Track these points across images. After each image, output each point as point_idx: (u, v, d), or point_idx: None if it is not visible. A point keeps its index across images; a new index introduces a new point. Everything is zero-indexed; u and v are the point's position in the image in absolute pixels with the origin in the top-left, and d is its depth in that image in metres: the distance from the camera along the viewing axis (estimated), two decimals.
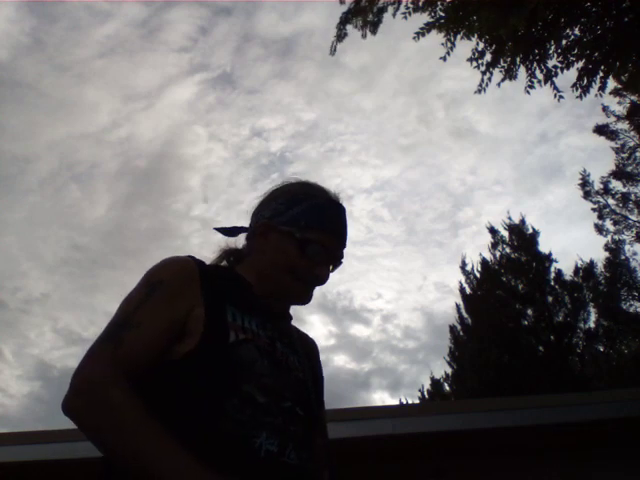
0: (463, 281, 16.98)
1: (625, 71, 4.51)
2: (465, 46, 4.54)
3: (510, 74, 4.54)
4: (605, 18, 4.34)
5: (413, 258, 31.21)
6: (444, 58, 4.48)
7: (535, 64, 4.47)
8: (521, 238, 16.64)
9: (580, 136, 26.65)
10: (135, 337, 1.07)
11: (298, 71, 31.14)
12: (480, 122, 28.60)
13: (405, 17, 4.58)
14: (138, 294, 1.15)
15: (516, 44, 4.42)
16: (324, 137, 30.21)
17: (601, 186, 16.36)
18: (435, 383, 17.30)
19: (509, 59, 4.51)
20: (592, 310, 15.58)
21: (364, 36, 4.97)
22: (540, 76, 4.48)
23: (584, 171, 16.54)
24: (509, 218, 17.18)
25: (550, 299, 15.65)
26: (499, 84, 4.61)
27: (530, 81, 4.49)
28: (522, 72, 4.56)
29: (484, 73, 4.57)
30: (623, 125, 16.21)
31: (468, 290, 16.80)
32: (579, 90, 4.38)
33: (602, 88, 4.42)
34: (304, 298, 1.30)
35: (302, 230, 1.25)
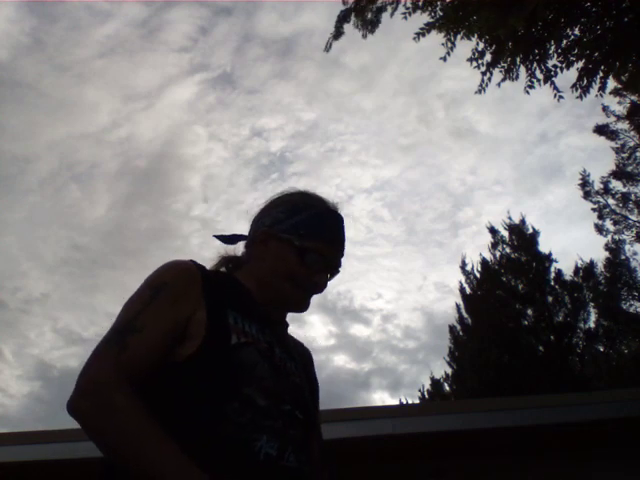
0: (463, 281, 17.00)
1: (625, 71, 4.51)
2: (465, 46, 4.54)
3: (510, 74, 4.54)
4: (605, 18, 4.34)
5: (413, 258, 31.23)
6: (444, 58, 4.49)
7: (535, 64, 4.47)
8: (521, 238, 16.64)
9: (580, 136, 26.67)
10: (139, 341, 1.08)
11: (298, 71, 31.16)
12: (480, 122, 28.62)
13: (405, 17, 4.58)
14: (142, 297, 1.16)
15: (516, 44, 4.42)
16: (324, 137, 30.22)
17: (601, 186, 16.38)
18: (435, 383, 17.30)
19: (509, 59, 4.51)
20: (592, 310, 15.59)
21: (364, 36, 4.98)
22: (540, 76, 4.48)
23: (584, 171, 16.57)
24: (509, 218, 17.20)
25: (550, 299, 15.65)
26: (499, 84, 4.61)
27: (530, 81, 4.49)
28: (522, 72, 4.57)
29: (484, 73, 4.57)
30: (623, 125, 16.23)
31: (468, 290, 16.80)
32: (579, 90, 4.38)
33: (602, 88, 4.42)
34: (302, 305, 1.32)
35: (301, 238, 1.27)
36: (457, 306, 16.79)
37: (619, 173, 16.22)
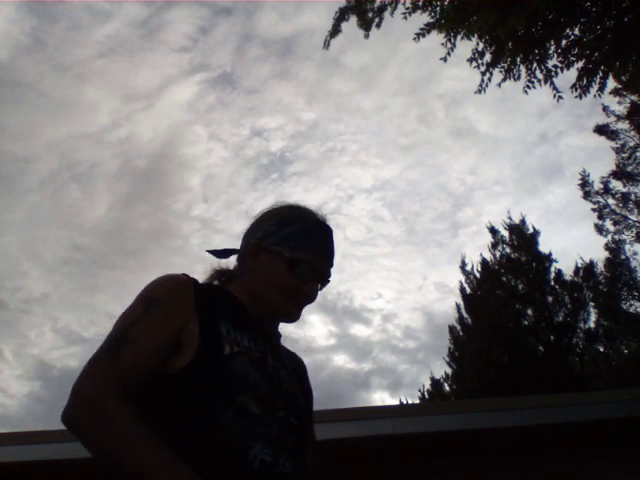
0: (463, 281, 17.01)
1: (625, 71, 4.51)
2: (465, 46, 4.54)
3: (511, 74, 4.53)
4: (605, 18, 4.34)
5: (413, 258, 31.22)
6: (444, 59, 4.49)
7: (535, 64, 4.47)
8: (521, 238, 16.64)
9: (580, 136, 26.67)
10: (133, 352, 1.11)
11: (298, 71, 31.16)
12: (480, 122, 28.60)
13: (405, 17, 4.58)
14: (135, 311, 1.19)
15: (516, 44, 4.42)
16: (324, 137, 30.21)
17: (601, 186, 16.37)
18: (435, 383, 17.30)
19: (509, 59, 4.51)
20: (592, 310, 15.60)
21: (367, 36, 4.98)
22: (540, 76, 4.48)
23: (584, 171, 16.56)
24: (509, 218, 17.20)
25: (550, 299, 15.65)
26: (499, 84, 4.61)
27: (530, 81, 4.49)
28: (523, 72, 4.56)
29: (484, 73, 4.57)
30: (623, 125, 16.24)
31: (468, 290, 16.80)
32: (579, 90, 4.38)
33: (602, 88, 4.42)
34: (293, 316, 1.35)
35: (291, 250, 1.31)
36: (457, 306, 16.79)
37: (619, 173, 16.22)
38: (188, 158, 31.55)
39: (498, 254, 16.71)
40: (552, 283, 15.84)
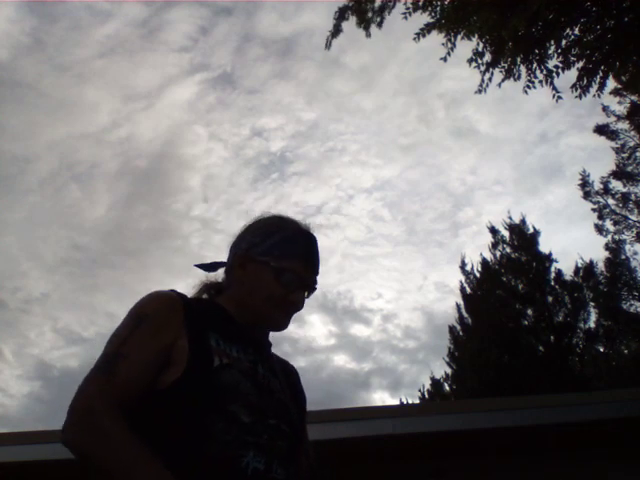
0: (463, 281, 17.00)
1: (625, 71, 4.52)
2: (465, 46, 4.55)
3: (511, 74, 4.54)
4: (605, 18, 4.34)
5: (413, 258, 31.19)
6: (444, 59, 4.49)
7: (535, 64, 4.48)
8: (521, 238, 16.64)
9: (580, 136, 26.63)
10: (127, 368, 1.14)
11: (298, 71, 31.13)
12: (480, 122, 28.56)
13: (405, 17, 4.58)
14: (125, 328, 1.21)
15: (516, 44, 4.42)
16: (324, 137, 30.18)
17: (601, 186, 16.37)
18: (435, 383, 17.30)
19: (509, 59, 4.51)
20: (592, 310, 15.59)
21: (368, 35, 4.98)
22: (540, 76, 4.48)
23: (584, 171, 16.55)
24: (509, 218, 17.19)
25: (550, 299, 15.65)
26: (500, 84, 4.62)
27: (530, 81, 4.49)
28: (523, 72, 4.56)
29: (484, 73, 4.57)
30: (623, 125, 16.23)
31: (468, 290, 16.80)
32: (579, 90, 4.38)
33: (602, 88, 4.43)
34: (281, 324, 1.37)
35: (277, 259, 1.34)
36: (457, 306, 16.79)
37: (619, 173, 16.22)
38: (188, 158, 31.55)
39: (498, 254, 16.71)
40: (552, 283, 15.84)
